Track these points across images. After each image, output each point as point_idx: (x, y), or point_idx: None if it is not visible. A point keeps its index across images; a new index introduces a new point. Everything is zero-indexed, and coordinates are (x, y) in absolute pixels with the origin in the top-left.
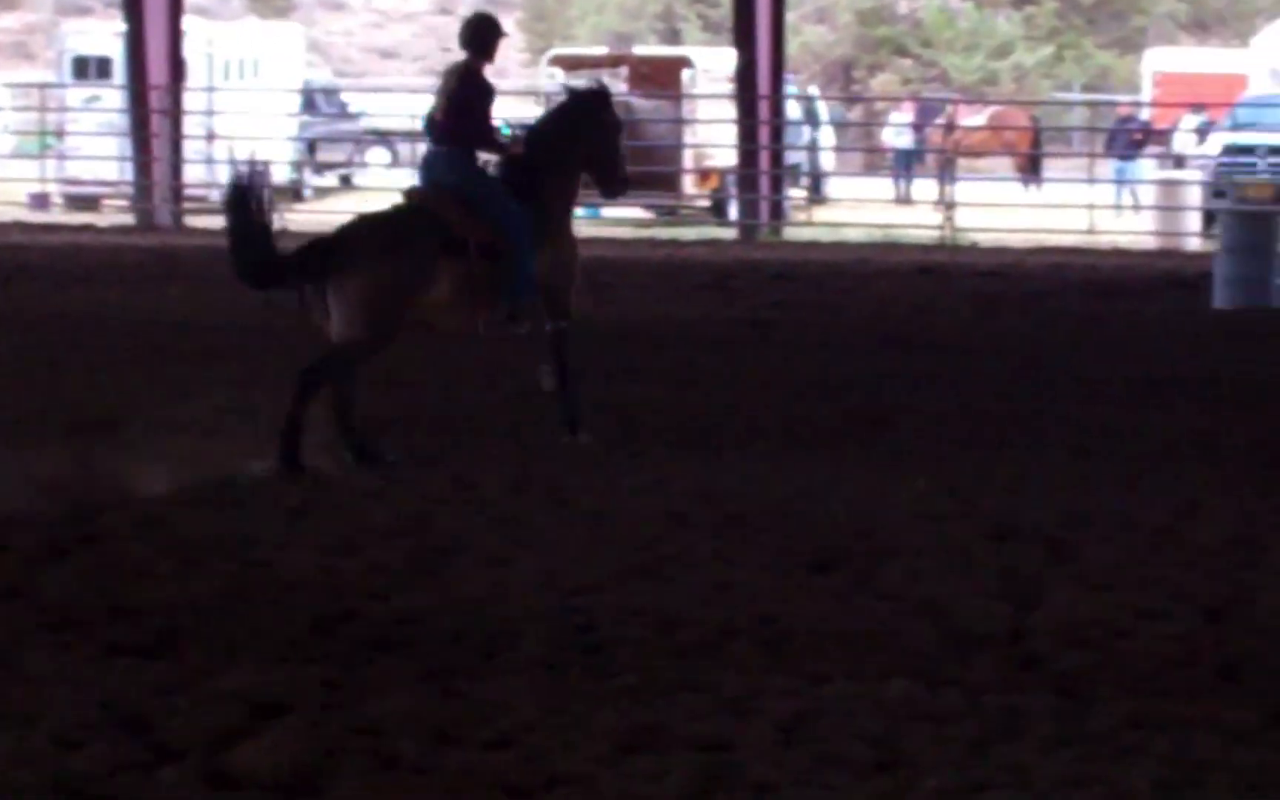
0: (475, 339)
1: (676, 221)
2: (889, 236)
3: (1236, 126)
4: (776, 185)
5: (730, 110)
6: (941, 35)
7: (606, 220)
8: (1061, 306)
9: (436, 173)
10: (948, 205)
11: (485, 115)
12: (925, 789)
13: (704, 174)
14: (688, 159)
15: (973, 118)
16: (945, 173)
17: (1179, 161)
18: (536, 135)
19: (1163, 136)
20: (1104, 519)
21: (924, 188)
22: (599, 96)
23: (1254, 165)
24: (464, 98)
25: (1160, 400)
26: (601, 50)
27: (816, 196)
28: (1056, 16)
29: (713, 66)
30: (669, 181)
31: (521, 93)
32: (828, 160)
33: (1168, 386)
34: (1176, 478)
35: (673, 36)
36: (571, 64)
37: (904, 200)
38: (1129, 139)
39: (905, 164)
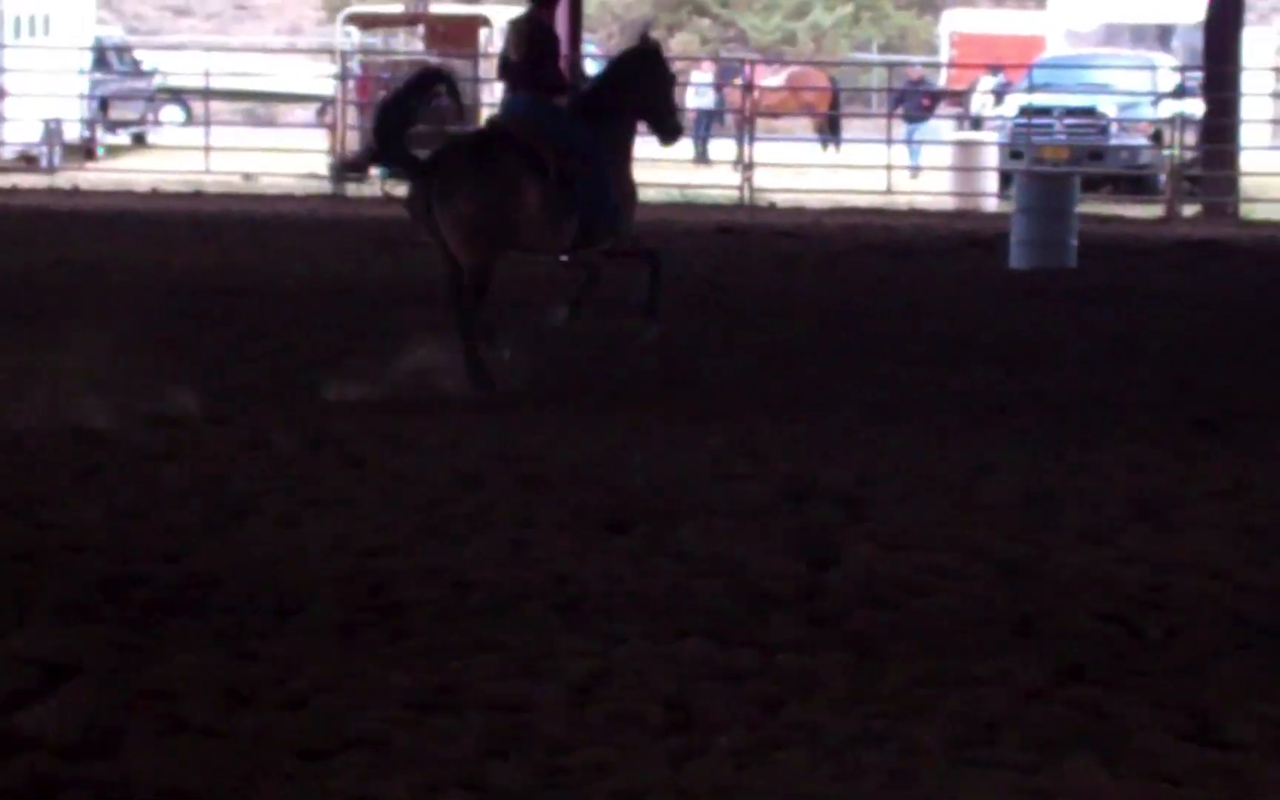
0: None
1: None
2: (687, 197)
3: (1033, 88)
4: None
5: None
6: None
7: None
8: (859, 267)
9: (518, 111)
10: (746, 166)
11: (555, 61)
12: (718, 748)
13: None
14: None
15: (771, 78)
16: (744, 133)
17: (976, 123)
18: (599, 83)
19: (960, 98)
20: (900, 478)
21: (723, 148)
22: (654, 51)
23: (1050, 127)
24: (537, 46)
25: (957, 360)
26: (398, 9)
27: None
28: None
29: None
30: None
31: (316, 50)
32: None
33: (964, 347)
34: (973, 437)
35: None
36: (368, 22)
37: (703, 161)
38: (918, 102)
39: (704, 124)
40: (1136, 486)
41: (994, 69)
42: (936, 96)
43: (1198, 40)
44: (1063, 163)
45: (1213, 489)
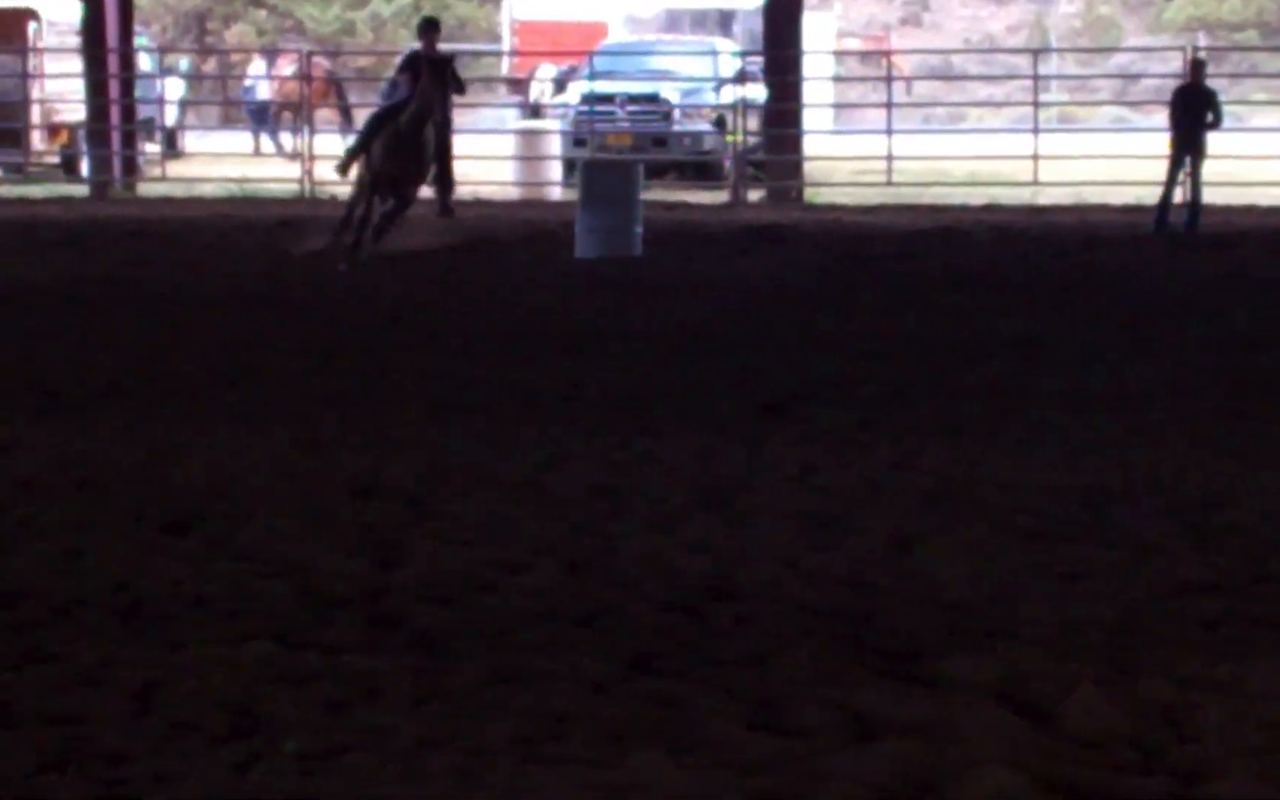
0: None
1: (25, 179)
2: (247, 191)
3: (595, 75)
4: (129, 140)
5: (79, 64)
6: None
7: None
8: (425, 259)
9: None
10: (306, 157)
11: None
12: (284, 752)
13: (53, 130)
14: (35, 114)
15: (287, 68)
16: (302, 126)
17: (536, 111)
18: None
19: (522, 85)
20: (466, 473)
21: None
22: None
23: (613, 114)
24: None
25: (524, 352)
26: None
27: (172, 151)
28: None
29: (60, 19)
30: (15, 138)
31: None
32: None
33: (531, 338)
34: (539, 430)
35: None
36: None
37: (264, 154)
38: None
39: (260, 116)
40: (703, 475)
41: (557, 57)
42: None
43: (759, 25)
44: (627, 150)
45: (779, 475)
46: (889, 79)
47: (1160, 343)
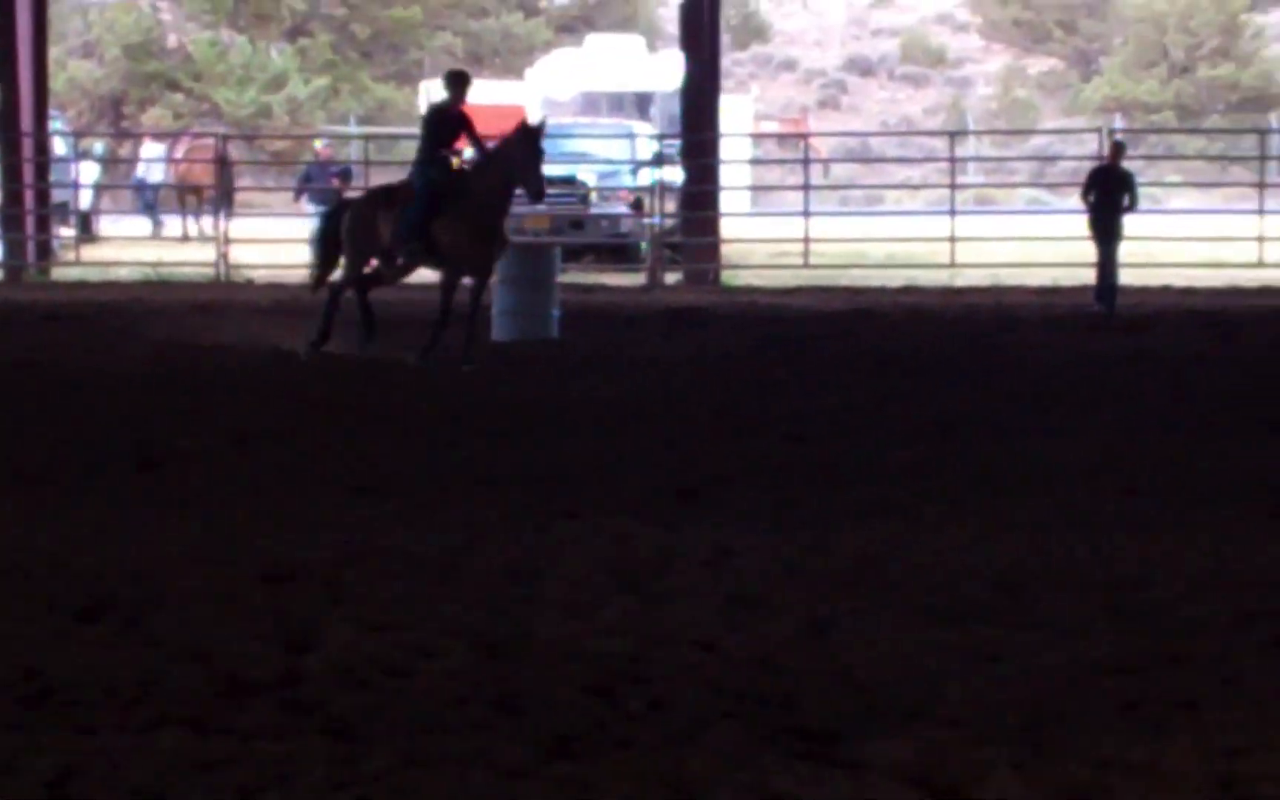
0: None
1: None
2: (162, 275)
3: None
4: (43, 225)
5: None
6: (214, 70)
7: None
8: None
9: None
10: (221, 240)
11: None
12: None
13: None
14: None
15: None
16: (219, 208)
17: None
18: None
19: None
20: (382, 556)
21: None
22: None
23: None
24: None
25: (441, 434)
26: None
27: (87, 235)
28: (332, 49)
29: None
30: None
31: None
32: (88, 198)
33: (449, 420)
34: (456, 512)
35: None
36: None
37: (180, 238)
38: (329, 182)
39: (151, 200)
40: (620, 557)
41: None
42: (346, 175)
43: (676, 107)
44: (544, 232)
45: (696, 558)
46: (806, 161)
47: (1076, 423)
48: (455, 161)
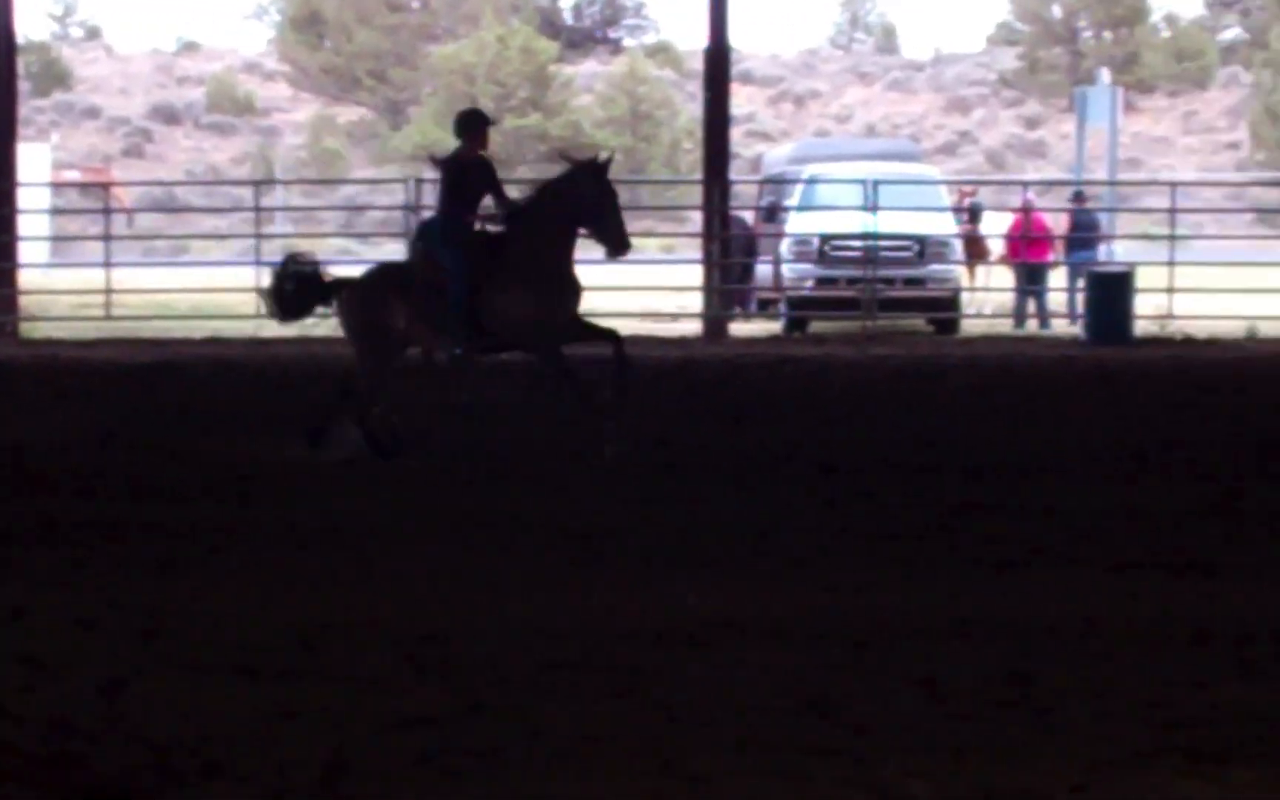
0: None
1: None
2: None
3: None
4: None
5: None
6: None
7: None
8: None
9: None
10: None
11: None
12: None
13: None
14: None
15: None
16: None
17: None
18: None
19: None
20: None
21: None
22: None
23: None
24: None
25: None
26: None
27: None
28: None
29: None
30: None
31: None
32: None
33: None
34: None
35: None
36: None
37: None
38: None
39: None
40: None
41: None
42: None
43: None
44: None
45: None
46: (108, 211)
47: (388, 476)
48: (477, 224)
